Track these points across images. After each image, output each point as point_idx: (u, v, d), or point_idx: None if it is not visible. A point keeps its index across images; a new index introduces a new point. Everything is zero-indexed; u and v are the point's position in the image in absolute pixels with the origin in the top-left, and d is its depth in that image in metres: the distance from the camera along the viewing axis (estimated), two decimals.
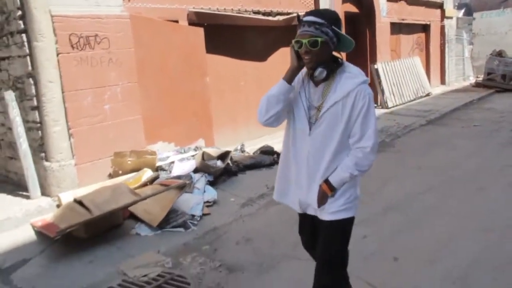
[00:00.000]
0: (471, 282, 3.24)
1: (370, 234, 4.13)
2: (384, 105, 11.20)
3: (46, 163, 5.17)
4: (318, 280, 2.38)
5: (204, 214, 4.79)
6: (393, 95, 11.47)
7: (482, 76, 14.80)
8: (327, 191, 2.26)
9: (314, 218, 2.42)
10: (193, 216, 4.71)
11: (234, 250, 4.03)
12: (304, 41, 2.12)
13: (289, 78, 2.23)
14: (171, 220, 4.59)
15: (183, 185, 4.75)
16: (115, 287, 3.50)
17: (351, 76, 2.20)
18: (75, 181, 5.27)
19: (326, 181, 2.26)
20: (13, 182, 5.92)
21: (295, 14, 7.99)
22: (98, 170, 5.46)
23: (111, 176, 5.59)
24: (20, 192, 5.48)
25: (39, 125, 5.15)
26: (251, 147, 7.03)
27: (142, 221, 4.59)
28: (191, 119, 6.61)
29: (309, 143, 2.27)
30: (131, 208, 4.63)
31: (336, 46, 2.21)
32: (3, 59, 5.46)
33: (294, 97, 2.32)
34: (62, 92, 5.10)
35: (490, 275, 3.31)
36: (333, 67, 2.21)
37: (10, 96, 5.15)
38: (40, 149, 5.24)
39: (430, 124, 9.40)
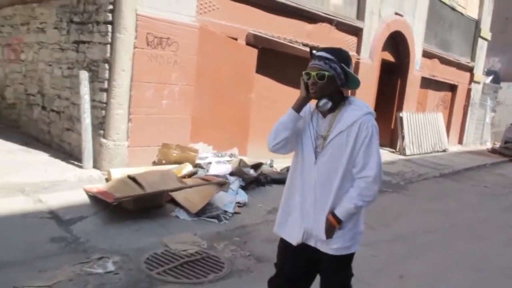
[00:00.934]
0: None
1: (379, 255, 4.67)
2: (402, 151, 11.77)
3: (103, 140, 5.80)
4: None
5: (235, 212, 5.36)
6: (412, 144, 12.05)
7: (499, 143, 15.34)
8: (334, 224, 2.32)
9: (309, 249, 2.44)
10: (225, 211, 5.28)
11: (261, 246, 4.59)
12: (313, 73, 2.27)
13: (297, 107, 2.36)
14: (207, 211, 5.16)
15: (223, 183, 5.35)
16: (159, 254, 4.07)
17: (357, 108, 2.33)
18: (124, 161, 5.88)
19: (333, 214, 2.33)
20: (66, 151, 6.56)
21: None
22: (145, 155, 6.07)
23: (154, 163, 6.19)
24: (72, 161, 6.12)
25: (104, 105, 5.80)
26: (278, 165, 7.61)
27: (181, 207, 5.16)
28: (231, 128, 7.24)
29: (316, 172, 2.34)
30: (173, 194, 5.20)
31: (344, 83, 2.33)
32: (84, 42, 6.16)
33: (303, 127, 2.41)
34: (131, 81, 5.77)
35: None
36: (338, 100, 2.35)
37: (84, 75, 5.80)
38: (99, 126, 5.87)
39: (443, 177, 9.93)
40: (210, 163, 6.41)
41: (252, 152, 7.67)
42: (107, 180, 5.59)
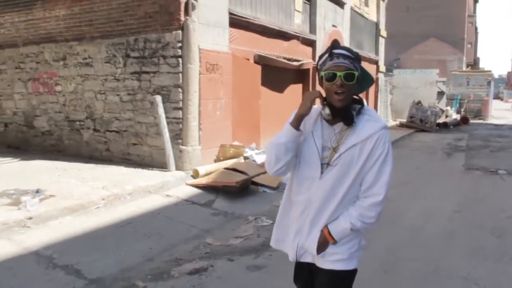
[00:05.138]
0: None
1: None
2: None
3: (183, 147, 7.53)
4: None
5: None
6: None
7: (401, 119, 19.12)
8: (328, 238, 2.11)
9: (311, 266, 2.23)
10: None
11: None
12: (340, 73, 1.97)
13: (297, 124, 2.07)
14: (279, 185, 7.24)
15: None
16: None
17: (372, 119, 2.10)
18: (199, 161, 7.66)
19: (329, 229, 2.11)
20: (134, 162, 8.06)
21: (303, 61, 11.17)
22: (210, 155, 7.91)
23: (215, 160, 8.04)
24: (152, 168, 7.69)
25: (179, 120, 7.51)
26: None
27: (262, 185, 7.14)
28: (249, 127, 9.28)
29: (319, 187, 2.10)
30: (254, 178, 7.17)
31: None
32: (147, 73, 7.76)
33: (305, 137, 2.14)
34: (199, 99, 7.57)
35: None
36: (355, 107, 2.09)
37: (159, 99, 7.46)
38: (176, 137, 7.56)
39: None
40: (251, 155, 8.42)
41: (263, 144, 9.78)
42: (193, 177, 7.33)
